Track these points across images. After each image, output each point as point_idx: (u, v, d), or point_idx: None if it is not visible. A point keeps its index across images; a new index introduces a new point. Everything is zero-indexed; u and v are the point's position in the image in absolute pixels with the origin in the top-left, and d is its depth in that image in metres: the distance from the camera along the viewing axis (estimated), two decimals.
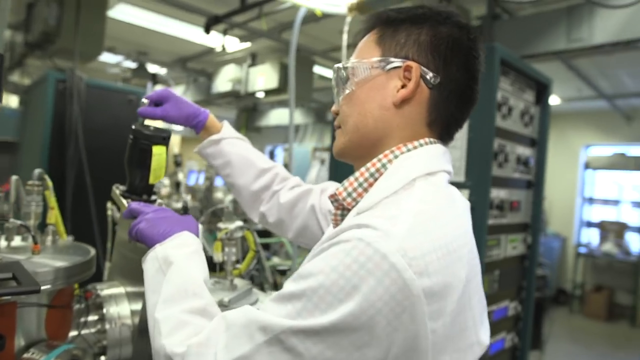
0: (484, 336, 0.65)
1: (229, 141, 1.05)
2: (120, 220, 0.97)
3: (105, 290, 0.90)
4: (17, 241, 0.90)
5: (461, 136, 1.69)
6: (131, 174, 0.91)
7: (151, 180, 0.87)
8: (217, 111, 7.50)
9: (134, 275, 0.90)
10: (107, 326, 0.85)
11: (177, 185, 3.68)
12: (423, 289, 0.53)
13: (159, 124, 1.02)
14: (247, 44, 4.76)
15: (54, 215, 0.93)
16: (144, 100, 0.95)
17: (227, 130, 1.06)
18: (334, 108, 0.79)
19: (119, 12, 4.21)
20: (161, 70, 6.04)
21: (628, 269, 6.05)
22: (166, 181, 3.92)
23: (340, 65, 0.76)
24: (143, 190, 0.91)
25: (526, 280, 2.02)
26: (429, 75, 0.69)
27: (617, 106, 6.02)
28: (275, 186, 1.07)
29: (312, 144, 7.84)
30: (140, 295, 0.88)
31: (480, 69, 0.73)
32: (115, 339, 0.84)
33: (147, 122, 0.94)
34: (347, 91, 0.74)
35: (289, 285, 0.59)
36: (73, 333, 0.83)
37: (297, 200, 1.05)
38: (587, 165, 6.79)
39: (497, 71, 1.67)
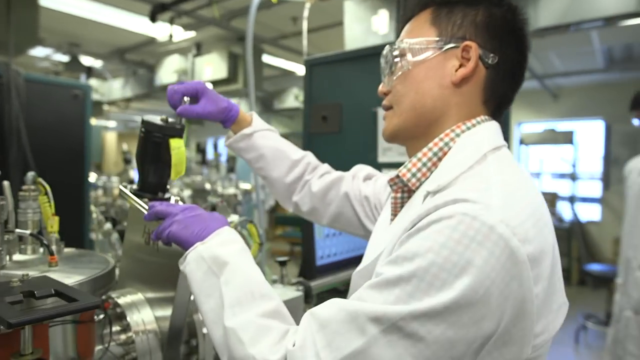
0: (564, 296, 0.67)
1: (261, 134, 1.03)
2: (131, 223, 0.90)
3: (123, 298, 0.83)
4: (16, 255, 0.80)
5: None
6: (144, 170, 0.84)
7: (173, 177, 0.81)
8: (162, 105, 7.16)
9: (156, 280, 0.84)
10: (134, 336, 0.79)
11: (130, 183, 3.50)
12: (527, 255, 0.55)
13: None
14: (192, 33, 4.57)
15: (56, 223, 0.84)
16: (186, 99, 0.88)
17: (257, 122, 1.04)
18: (382, 88, 0.78)
19: (47, 0, 3.87)
20: (96, 63, 5.65)
21: (562, 235, 6.58)
22: (115, 179, 3.71)
23: (395, 44, 0.76)
24: (157, 188, 0.85)
25: None
26: (487, 55, 0.70)
27: (545, 85, 6.47)
28: (307, 176, 1.06)
29: None
30: (165, 301, 0.82)
31: (529, 45, 0.74)
32: (144, 349, 0.78)
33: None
34: (402, 70, 0.74)
35: (392, 270, 0.56)
36: (98, 347, 0.76)
37: (329, 188, 1.05)
38: (521, 142, 7.26)
39: None
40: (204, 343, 0.86)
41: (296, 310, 1.09)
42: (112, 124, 10.60)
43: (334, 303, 0.59)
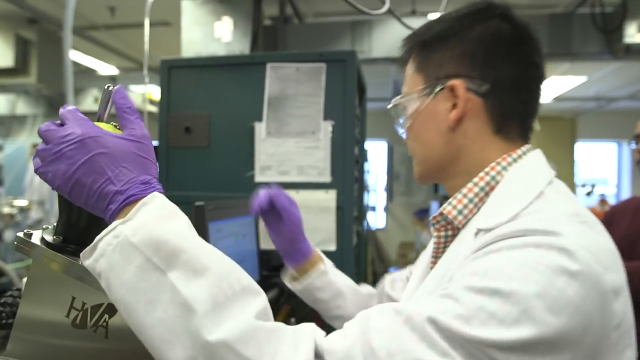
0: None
1: (333, 271, 0.97)
2: (33, 291, 0.56)
3: None
4: None
5: (324, 137, 1.70)
6: (71, 210, 0.54)
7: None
8: None
9: None
10: None
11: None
12: (611, 285, 0.51)
13: None
14: None
15: None
16: None
17: (323, 256, 0.98)
18: (403, 138, 0.78)
19: None
20: None
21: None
22: None
23: (393, 103, 0.75)
24: (90, 235, 0.56)
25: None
26: (477, 84, 0.66)
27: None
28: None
29: (32, 140, 6.41)
30: None
31: (536, 49, 0.69)
32: None
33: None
34: (406, 126, 0.74)
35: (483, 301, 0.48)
36: None
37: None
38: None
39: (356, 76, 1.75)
40: None
41: None
42: None
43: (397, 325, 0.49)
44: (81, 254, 0.50)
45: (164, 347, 0.46)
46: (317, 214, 1.68)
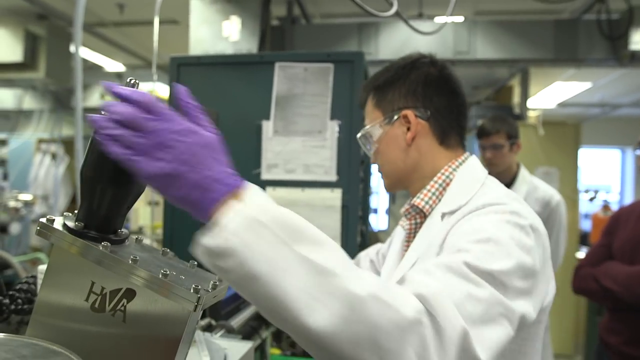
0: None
1: None
2: (54, 275, 0.58)
3: None
4: None
5: (331, 136, 1.72)
6: (94, 195, 0.56)
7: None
8: None
9: None
10: None
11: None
12: (543, 230, 0.77)
13: None
14: None
15: None
16: None
17: None
18: (372, 160, 0.98)
19: None
20: None
21: (363, 242, 7.42)
22: None
23: (361, 133, 0.97)
24: (112, 223, 0.58)
25: None
26: (422, 112, 0.90)
27: None
28: None
29: (39, 135, 6.45)
30: None
31: (456, 83, 0.93)
32: None
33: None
34: (373, 149, 0.95)
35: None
36: None
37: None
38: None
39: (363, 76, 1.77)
40: None
41: None
42: None
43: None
44: (201, 234, 0.53)
45: (305, 313, 0.50)
46: (322, 212, 1.69)
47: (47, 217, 0.56)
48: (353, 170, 1.72)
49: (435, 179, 0.90)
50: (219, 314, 1.23)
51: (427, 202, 0.89)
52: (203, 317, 1.16)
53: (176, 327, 0.54)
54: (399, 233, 1.02)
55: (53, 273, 0.59)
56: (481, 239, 0.69)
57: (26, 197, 5.13)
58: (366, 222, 2.27)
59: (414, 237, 0.91)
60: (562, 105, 6.82)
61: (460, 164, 0.91)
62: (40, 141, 6.82)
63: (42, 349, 0.45)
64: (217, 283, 0.56)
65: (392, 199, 7.68)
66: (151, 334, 0.55)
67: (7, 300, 0.78)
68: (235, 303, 1.34)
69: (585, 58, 3.25)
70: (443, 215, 0.83)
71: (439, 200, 0.88)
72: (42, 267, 0.62)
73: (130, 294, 0.55)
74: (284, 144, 1.75)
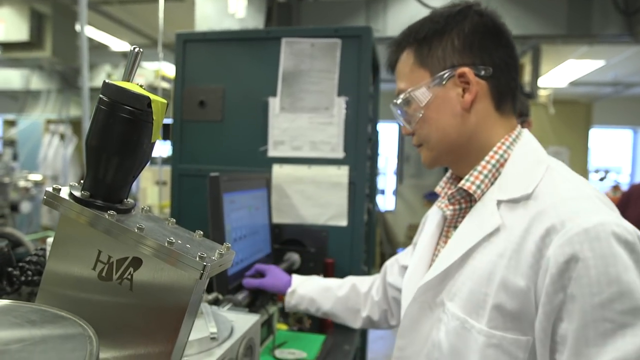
0: None
1: (302, 286, 1.25)
2: (61, 244, 0.58)
3: None
4: None
5: (338, 113, 1.71)
6: (100, 163, 0.56)
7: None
8: None
9: (121, 330, 0.57)
10: None
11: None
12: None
13: None
14: None
15: None
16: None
17: (295, 279, 1.28)
18: (404, 131, 0.87)
19: None
20: None
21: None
22: None
23: (401, 98, 0.83)
24: (118, 192, 0.58)
25: None
26: (480, 69, 0.78)
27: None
28: (362, 295, 1.22)
29: (46, 115, 6.47)
30: None
31: (511, 37, 0.81)
32: None
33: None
34: (417, 117, 0.81)
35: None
36: None
37: (385, 288, 1.20)
38: None
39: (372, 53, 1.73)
40: None
41: (257, 333, 0.90)
42: None
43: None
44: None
45: None
46: (329, 189, 1.69)
47: (54, 186, 0.56)
48: (360, 147, 1.70)
49: (488, 158, 0.78)
50: (226, 288, 1.24)
51: (478, 187, 0.78)
52: (210, 291, 1.18)
53: (182, 295, 0.54)
54: (433, 216, 0.93)
55: (60, 242, 0.59)
56: (628, 308, 0.59)
57: (36, 177, 5.19)
58: (373, 201, 2.26)
59: (456, 222, 0.83)
60: (573, 84, 6.70)
61: (515, 140, 0.79)
62: (49, 122, 6.86)
63: (51, 314, 0.46)
64: (223, 252, 0.56)
65: (400, 180, 7.68)
66: (158, 302, 0.56)
67: (17, 272, 0.79)
68: (242, 278, 1.34)
69: (599, 34, 3.17)
70: (499, 203, 0.74)
71: (491, 184, 0.77)
72: (51, 240, 0.62)
73: (136, 262, 0.55)
74: (290, 120, 1.74)
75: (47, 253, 0.86)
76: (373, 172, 2.17)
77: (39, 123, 6.79)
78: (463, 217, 0.82)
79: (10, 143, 6.67)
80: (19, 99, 6.39)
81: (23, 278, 0.79)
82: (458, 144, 0.80)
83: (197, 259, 0.51)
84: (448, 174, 0.92)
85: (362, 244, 1.75)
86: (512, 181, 0.74)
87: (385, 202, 7.93)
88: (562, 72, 6.01)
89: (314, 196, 1.69)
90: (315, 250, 1.66)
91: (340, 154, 1.70)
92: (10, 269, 0.77)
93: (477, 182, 0.78)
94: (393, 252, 6.88)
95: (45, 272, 0.60)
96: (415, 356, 0.82)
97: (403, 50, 0.83)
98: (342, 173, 1.68)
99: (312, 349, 1.42)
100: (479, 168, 0.78)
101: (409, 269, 0.92)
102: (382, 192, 7.93)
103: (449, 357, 0.75)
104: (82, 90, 2.90)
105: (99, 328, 0.57)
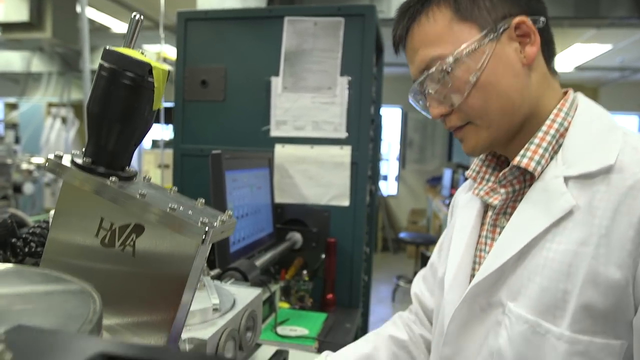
0: None
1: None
2: (63, 212, 0.58)
3: None
4: None
5: (341, 92, 1.69)
6: (101, 130, 0.55)
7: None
8: None
9: (124, 297, 0.57)
10: None
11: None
12: None
13: None
14: None
15: None
16: None
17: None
18: (438, 111, 0.70)
19: None
20: None
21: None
22: None
23: (443, 65, 0.66)
24: (121, 159, 0.57)
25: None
26: (536, 19, 0.66)
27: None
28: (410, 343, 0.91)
29: (48, 99, 6.46)
30: (140, 328, 0.57)
31: None
32: None
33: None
34: (467, 85, 0.65)
35: None
36: None
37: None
38: None
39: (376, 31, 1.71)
40: None
41: (258, 307, 0.91)
42: None
43: None
44: None
45: None
46: (332, 169, 1.69)
47: (56, 153, 0.56)
48: (363, 127, 1.69)
49: (545, 128, 0.66)
50: (228, 264, 1.25)
51: (538, 163, 0.65)
52: (213, 267, 1.18)
53: (185, 262, 0.54)
54: (468, 204, 0.78)
55: (62, 211, 0.59)
56: None
57: (38, 160, 5.20)
58: (375, 183, 2.26)
59: (507, 208, 0.71)
60: (579, 68, 6.61)
61: (571, 105, 0.68)
62: (50, 105, 6.85)
63: (54, 277, 0.46)
64: (225, 219, 0.56)
65: (402, 164, 7.66)
66: (160, 269, 0.56)
67: (20, 243, 0.79)
68: (245, 255, 1.35)
69: (608, 16, 3.12)
70: (567, 180, 0.62)
71: (551, 158, 0.65)
72: (53, 212, 0.62)
73: (139, 229, 0.55)
74: (293, 100, 1.73)
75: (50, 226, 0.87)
76: (375, 154, 2.16)
77: (41, 106, 6.79)
78: (516, 201, 0.70)
79: (12, 126, 6.67)
80: (20, 82, 6.37)
81: (27, 249, 0.80)
82: (521, 112, 0.66)
83: (199, 224, 0.52)
84: (482, 156, 0.78)
85: (364, 224, 1.76)
86: (580, 153, 0.63)
87: (388, 187, 7.92)
88: (568, 57, 5.94)
89: (317, 176, 1.69)
90: (317, 230, 1.66)
91: (343, 133, 1.69)
92: (14, 240, 0.78)
93: (536, 157, 0.65)
94: (395, 237, 6.90)
95: (48, 240, 0.60)
96: None
97: (429, 6, 0.67)
98: (344, 153, 1.68)
99: (314, 326, 1.44)
100: (536, 140, 0.66)
101: (449, 268, 0.76)
102: (385, 177, 7.91)
103: None
104: (83, 73, 2.88)
105: (102, 296, 0.57)
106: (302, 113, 1.72)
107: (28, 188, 3.88)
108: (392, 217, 7.64)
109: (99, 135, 0.56)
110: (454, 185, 5.21)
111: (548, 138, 0.66)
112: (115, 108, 0.54)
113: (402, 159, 7.69)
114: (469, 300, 0.68)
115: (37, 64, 5.88)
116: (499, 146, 0.72)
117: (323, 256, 1.65)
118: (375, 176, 2.27)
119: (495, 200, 0.71)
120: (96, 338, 0.33)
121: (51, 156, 0.56)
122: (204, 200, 0.60)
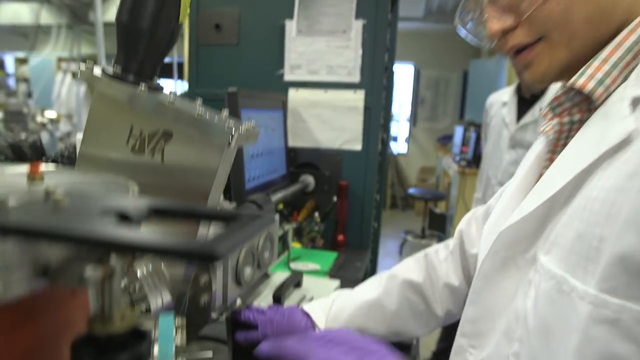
0: None
1: (334, 319, 0.84)
2: (95, 125, 0.61)
3: None
4: None
5: (355, 36, 1.68)
6: (129, 40, 0.58)
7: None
8: None
9: None
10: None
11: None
12: None
13: None
14: None
15: None
16: None
17: (313, 312, 0.83)
18: (499, 25, 0.54)
19: None
20: None
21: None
22: None
23: None
24: (151, 68, 0.60)
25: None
26: None
27: None
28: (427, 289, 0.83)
29: (57, 53, 6.44)
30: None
31: None
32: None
33: None
34: None
35: None
36: None
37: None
38: None
39: None
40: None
41: (275, 230, 0.96)
42: None
43: None
44: None
45: None
46: (345, 113, 1.70)
47: (87, 63, 0.59)
48: (377, 72, 1.69)
49: (619, 39, 0.50)
50: (243, 199, 1.29)
51: (601, 82, 0.50)
52: (229, 200, 1.23)
53: (211, 164, 0.57)
54: (535, 146, 0.66)
55: (93, 123, 0.62)
56: None
57: (51, 114, 5.25)
58: (387, 131, 2.27)
59: (565, 142, 0.57)
60: None
61: None
62: (60, 60, 6.83)
63: (91, 174, 0.49)
64: (249, 127, 0.59)
65: (414, 122, 7.59)
66: (188, 173, 0.59)
67: (51, 162, 0.83)
68: (260, 192, 1.39)
69: None
70: (636, 102, 0.46)
71: (624, 79, 0.50)
72: (80, 136, 0.65)
73: (167, 135, 0.58)
74: (307, 44, 1.72)
75: (77, 150, 0.91)
76: (388, 101, 2.16)
77: (51, 61, 6.77)
78: (569, 137, 0.56)
79: (23, 80, 6.69)
80: (28, 37, 6.34)
81: None
82: (612, 21, 0.51)
83: (226, 128, 0.54)
84: (559, 87, 0.59)
85: (376, 170, 1.78)
86: None
87: (398, 146, 7.90)
88: None
89: (330, 120, 1.71)
90: (329, 173, 1.70)
91: (356, 78, 1.69)
92: (44, 158, 0.82)
93: (599, 74, 0.50)
94: (404, 194, 6.95)
95: (79, 156, 0.64)
96: (489, 333, 0.57)
97: None
98: (358, 97, 1.69)
99: (326, 263, 1.50)
100: (603, 54, 0.50)
101: (493, 212, 0.66)
102: (395, 139, 7.87)
103: (536, 339, 0.48)
104: (95, 25, 2.84)
105: None
106: (316, 57, 1.71)
107: (44, 137, 3.95)
108: (402, 175, 7.66)
109: (128, 45, 0.58)
110: (465, 143, 5.18)
111: (620, 52, 0.50)
112: (144, 17, 0.56)
113: (414, 117, 7.63)
114: (498, 250, 0.57)
115: (46, 16, 5.82)
116: (576, 71, 0.53)
117: (335, 199, 1.70)
118: (387, 124, 2.28)
119: (550, 131, 0.58)
120: (145, 197, 0.37)
121: (82, 66, 0.59)
122: (228, 111, 0.62)
